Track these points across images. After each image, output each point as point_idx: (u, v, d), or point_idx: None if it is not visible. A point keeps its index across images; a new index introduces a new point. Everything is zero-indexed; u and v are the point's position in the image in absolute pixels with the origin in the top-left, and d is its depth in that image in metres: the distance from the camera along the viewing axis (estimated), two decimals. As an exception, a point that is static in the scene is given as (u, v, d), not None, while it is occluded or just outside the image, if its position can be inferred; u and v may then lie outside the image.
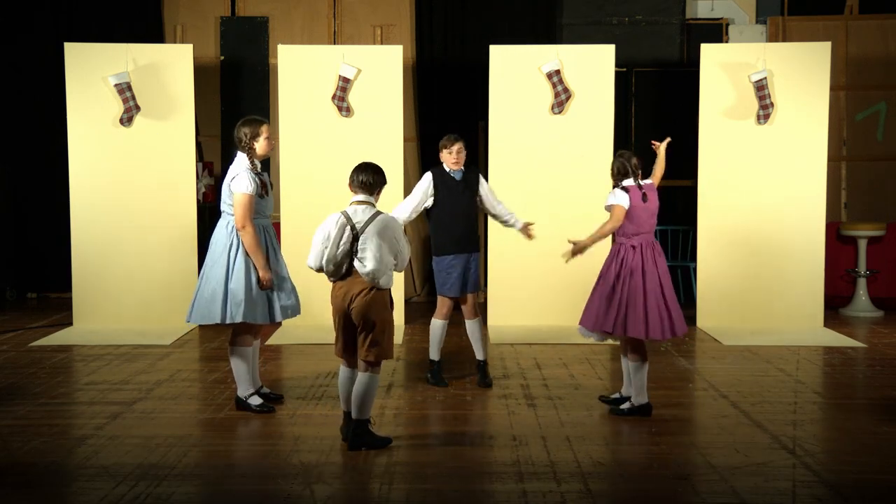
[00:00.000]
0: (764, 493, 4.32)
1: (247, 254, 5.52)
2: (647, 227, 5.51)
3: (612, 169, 5.60)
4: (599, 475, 4.57)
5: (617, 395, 5.80)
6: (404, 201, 6.38)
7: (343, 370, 5.07)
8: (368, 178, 4.94)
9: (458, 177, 6.31)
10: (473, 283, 6.35)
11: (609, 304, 5.44)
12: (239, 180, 5.50)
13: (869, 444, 5.08)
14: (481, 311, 6.70)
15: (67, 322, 8.59)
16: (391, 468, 4.65)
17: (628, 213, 5.47)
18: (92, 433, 5.21)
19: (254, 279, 5.53)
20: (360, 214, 4.89)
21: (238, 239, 5.54)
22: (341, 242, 4.86)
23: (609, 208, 5.55)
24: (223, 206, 5.64)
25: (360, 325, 4.89)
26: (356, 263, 4.86)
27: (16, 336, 8.10)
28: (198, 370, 6.88)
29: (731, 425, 5.40)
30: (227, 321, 5.52)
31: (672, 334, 5.49)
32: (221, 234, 5.62)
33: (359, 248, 4.84)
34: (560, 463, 4.72)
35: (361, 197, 4.94)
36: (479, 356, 6.41)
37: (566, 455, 4.84)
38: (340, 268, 4.88)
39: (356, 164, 5.02)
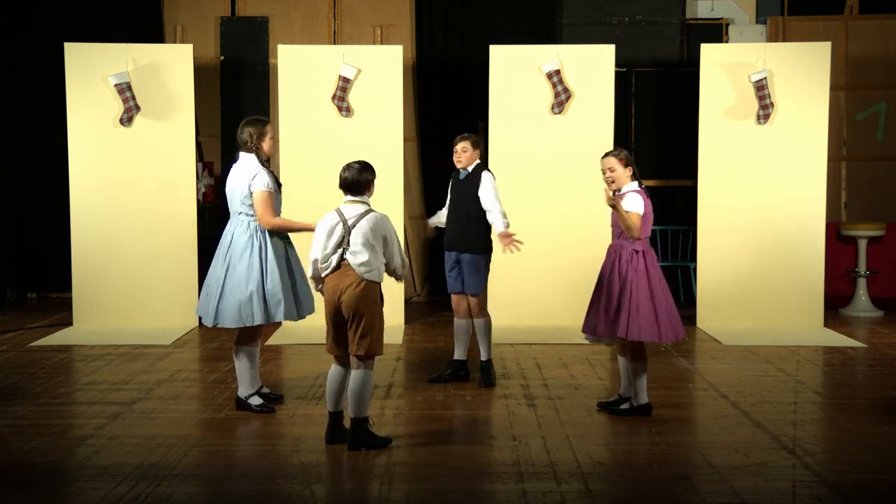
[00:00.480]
0: (764, 493, 4.32)
1: (276, 252, 5.56)
2: (648, 232, 5.52)
3: (622, 157, 5.51)
4: (599, 475, 4.57)
5: (615, 398, 5.77)
6: None
7: (334, 368, 5.04)
8: (353, 178, 4.98)
9: (462, 176, 6.31)
10: (466, 284, 6.28)
11: (619, 309, 5.38)
12: (259, 179, 5.54)
13: (869, 444, 5.08)
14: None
15: (67, 322, 8.59)
16: (391, 468, 4.65)
17: (642, 219, 5.43)
18: (92, 433, 5.21)
19: (286, 278, 5.57)
20: (351, 211, 4.95)
21: (264, 239, 5.56)
22: (333, 236, 4.91)
23: (637, 217, 5.38)
24: (240, 207, 5.60)
25: (350, 319, 4.90)
26: (348, 256, 4.89)
27: (16, 336, 8.09)
28: (198, 370, 6.88)
29: (731, 425, 5.40)
30: (267, 322, 5.54)
31: (675, 338, 5.49)
32: (241, 236, 5.59)
33: (350, 240, 4.88)
34: (560, 463, 4.72)
35: (352, 196, 4.97)
36: (482, 356, 6.39)
37: (566, 455, 4.84)
38: (330, 260, 4.92)
39: (344, 164, 5.03)
